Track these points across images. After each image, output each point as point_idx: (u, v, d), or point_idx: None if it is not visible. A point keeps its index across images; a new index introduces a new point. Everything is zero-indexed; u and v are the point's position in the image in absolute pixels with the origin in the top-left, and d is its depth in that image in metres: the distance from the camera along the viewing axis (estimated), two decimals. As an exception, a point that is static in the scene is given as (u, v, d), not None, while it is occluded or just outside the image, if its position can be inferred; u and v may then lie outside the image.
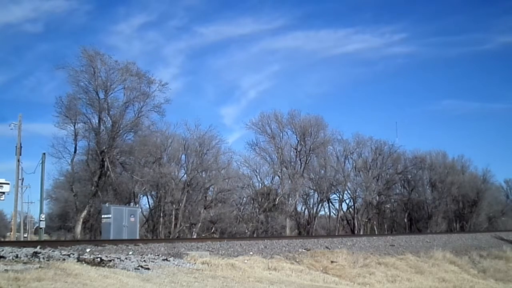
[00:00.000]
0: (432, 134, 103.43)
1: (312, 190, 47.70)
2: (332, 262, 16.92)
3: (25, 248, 11.68)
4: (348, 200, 51.10)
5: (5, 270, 8.11)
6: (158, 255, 13.54)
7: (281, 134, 47.39)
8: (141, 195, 39.59)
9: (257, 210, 42.06)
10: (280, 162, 45.94)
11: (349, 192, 50.04)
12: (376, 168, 51.57)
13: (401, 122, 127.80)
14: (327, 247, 19.80)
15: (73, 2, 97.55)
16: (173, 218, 36.19)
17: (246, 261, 14.04)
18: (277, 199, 42.81)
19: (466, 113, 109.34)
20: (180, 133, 39.74)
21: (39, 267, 8.84)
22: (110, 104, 32.47)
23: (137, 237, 24.11)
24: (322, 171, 47.82)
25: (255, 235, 35.98)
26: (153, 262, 11.97)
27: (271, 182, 45.82)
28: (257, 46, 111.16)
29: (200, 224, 36.83)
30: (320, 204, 48.23)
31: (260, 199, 42.61)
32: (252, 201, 43.65)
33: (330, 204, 50.42)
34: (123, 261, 11.38)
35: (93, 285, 7.80)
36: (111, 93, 32.53)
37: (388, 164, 53.15)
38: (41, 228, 34.79)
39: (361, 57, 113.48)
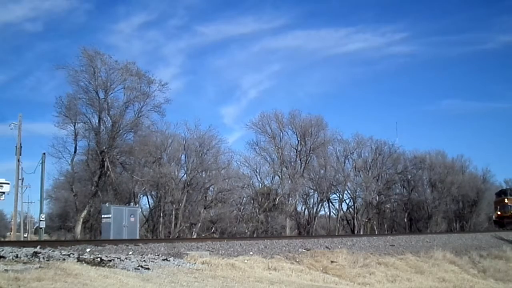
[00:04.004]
0: (431, 134, 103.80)
1: (312, 190, 47.73)
2: (332, 262, 16.88)
3: (25, 248, 11.66)
4: (348, 200, 51.19)
5: (5, 270, 8.10)
6: (158, 255, 13.52)
7: (281, 134, 47.53)
8: (141, 195, 39.68)
9: (257, 210, 42.07)
10: (280, 162, 45.96)
11: (349, 192, 50.12)
12: (376, 168, 51.56)
13: (401, 122, 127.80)
14: (327, 247, 19.77)
15: (73, 1, 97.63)
16: (173, 218, 36.19)
17: (246, 261, 14.02)
18: (277, 199, 42.82)
19: (466, 113, 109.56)
20: (180, 133, 39.84)
21: (39, 267, 8.83)
22: (110, 104, 32.55)
23: (137, 237, 24.10)
24: (322, 171, 47.82)
25: (255, 235, 35.96)
26: (153, 262, 11.96)
27: (271, 182, 45.92)
28: (257, 46, 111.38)
29: (200, 224, 36.83)
30: (320, 204, 48.32)
31: (260, 199, 42.62)
32: (252, 201, 43.66)
33: (330, 204, 50.50)
34: (123, 261, 11.37)
35: (93, 285, 7.79)
36: (111, 93, 32.67)
37: (388, 164, 53.14)
38: (41, 228, 34.83)
39: (362, 57, 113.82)
